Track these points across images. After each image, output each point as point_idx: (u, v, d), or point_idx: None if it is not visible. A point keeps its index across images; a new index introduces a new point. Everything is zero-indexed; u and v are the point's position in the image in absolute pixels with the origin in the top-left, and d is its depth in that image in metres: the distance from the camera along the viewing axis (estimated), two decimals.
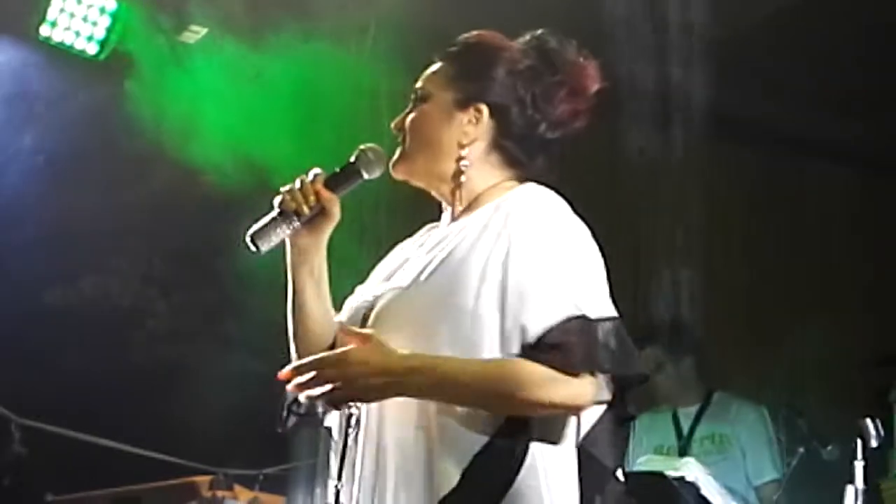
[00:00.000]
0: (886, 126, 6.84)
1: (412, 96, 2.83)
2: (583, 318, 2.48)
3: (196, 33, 5.80)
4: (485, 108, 2.74)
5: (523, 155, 2.77)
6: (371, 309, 2.68)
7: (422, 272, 2.64)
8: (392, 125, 2.82)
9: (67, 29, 5.59)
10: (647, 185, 6.74)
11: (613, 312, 2.56)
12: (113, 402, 6.48)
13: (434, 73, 2.83)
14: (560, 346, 2.46)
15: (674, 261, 6.60)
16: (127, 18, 5.79)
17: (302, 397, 2.67)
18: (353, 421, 2.63)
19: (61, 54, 5.72)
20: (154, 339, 7.30)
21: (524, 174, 2.77)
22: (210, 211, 6.03)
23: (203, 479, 6.09)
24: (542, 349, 2.47)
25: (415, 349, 2.54)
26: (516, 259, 2.55)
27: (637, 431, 6.10)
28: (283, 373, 2.56)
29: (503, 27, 2.87)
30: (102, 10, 5.65)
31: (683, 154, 6.60)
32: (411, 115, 2.79)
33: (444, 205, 2.83)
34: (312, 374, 2.52)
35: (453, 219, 2.78)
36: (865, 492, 4.66)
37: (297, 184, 2.69)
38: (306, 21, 5.69)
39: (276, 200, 2.69)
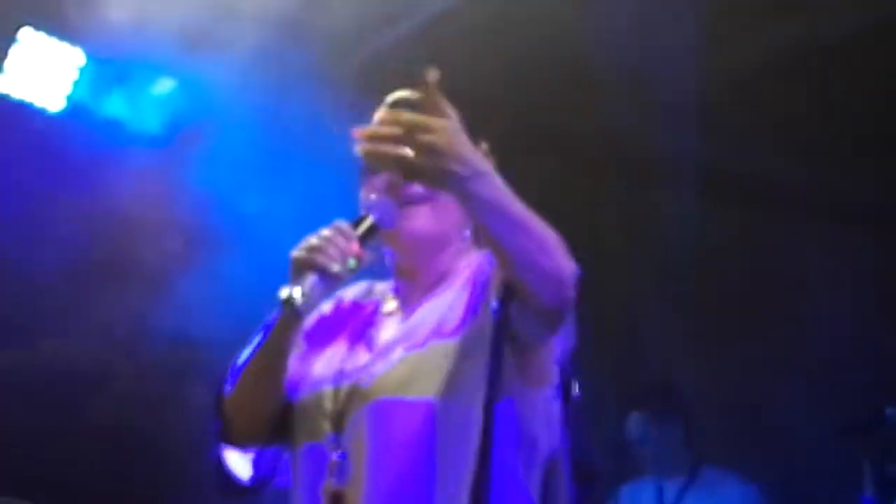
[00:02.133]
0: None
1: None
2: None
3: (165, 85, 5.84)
4: None
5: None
6: (341, 382, 2.69)
7: (404, 346, 2.67)
8: (390, 183, 2.75)
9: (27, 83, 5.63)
10: (634, 246, 6.81)
11: None
12: (71, 466, 6.47)
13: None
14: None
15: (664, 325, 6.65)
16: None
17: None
18: (338, 500, 2.57)
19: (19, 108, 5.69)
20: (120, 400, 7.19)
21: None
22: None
23: None
24: None
25: (401, 427, 2.58)
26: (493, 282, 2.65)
27: (621, 501, 6.07)
28: (364, 130, 2.46)
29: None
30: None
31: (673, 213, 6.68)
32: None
33: (400, 266, 2.84)
34: (398, 131, 2.40)
35: (428, 285, 2.81)
36: None
37: (335, 242, 2.58)
38: None
39: (315, 260, 2.56)
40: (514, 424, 2.63)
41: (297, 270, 2.57)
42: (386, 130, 2.43)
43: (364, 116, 2.79)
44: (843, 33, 6.00)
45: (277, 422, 2.77)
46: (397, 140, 2.41)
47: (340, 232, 2.59)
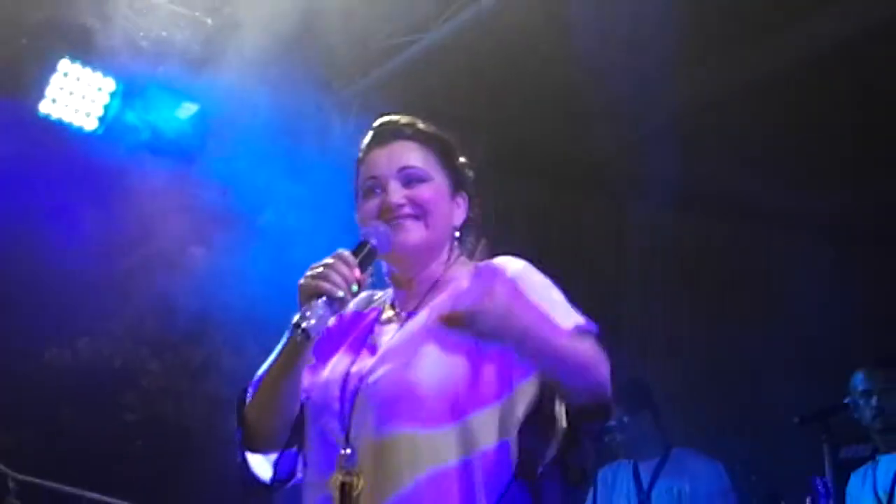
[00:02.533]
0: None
1: (403, 171, 2.78)
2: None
3: (189, 110, 5.80)
4: (465, 197, 2.85)
5: (471, 239, 2.87)
6: (348, 383, 2.67)
7: (407, 351, 2.64)
8: (400, 196, 2.75)
9: (67, 105, 5.59)
10: (614, 254, 6.79)
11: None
12: (105, 455, 6.53)
13: (424, 155, 2.81)
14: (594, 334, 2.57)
15: (639, 325, 6.55)
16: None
17: None
18: (346, 490, 2.58)
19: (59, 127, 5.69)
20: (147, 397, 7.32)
21: (466, 254, 2.86)
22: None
23: None
24: (584, 334, 2.55)
25: (406, 420, 2.57)
26: (531, 290, 2.58)
27: (598, 486, 6.02)
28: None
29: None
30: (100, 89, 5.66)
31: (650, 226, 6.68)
32: (428, 193, 2.77)
33: (398, 278, 2.82)
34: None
35: (422, 294, 2.79)
36: None
37: (338, 270, 2.59)
38: None
39: (321, 287, 2.57)
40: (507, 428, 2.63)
41: (306, 296, 2.56)
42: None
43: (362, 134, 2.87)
44: (807, 60, 6.04)
45: (294, 428, 2.75)
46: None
47: (343, 260, 2.60)
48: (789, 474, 5.66)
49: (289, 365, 2.68)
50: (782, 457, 5.97)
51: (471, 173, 2.87)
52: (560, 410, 2.62)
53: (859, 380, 5.35)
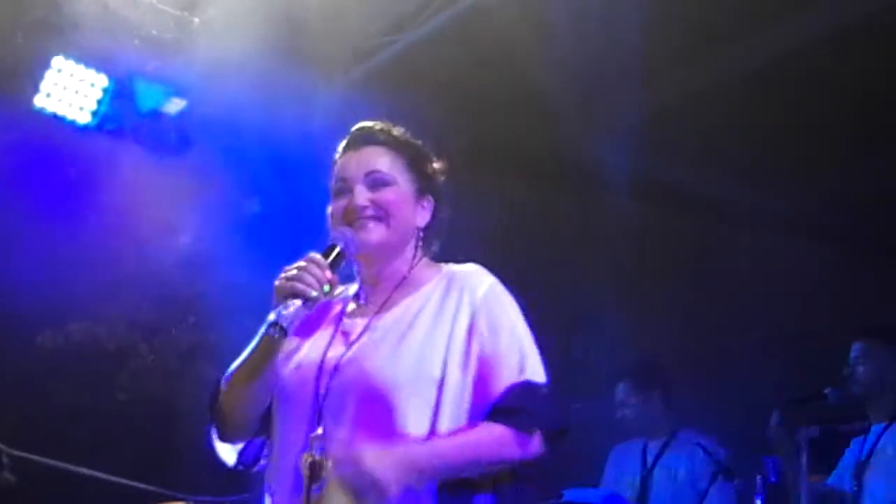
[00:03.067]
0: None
1: (369, 175, 2.84)
2: (534, 383, 2.68)
3: (178, 105, 5.79)
4: (431, 201, 2.91)
5: (437, 240, 2.95)
6: (324, 367, 2.71)
7: (384, 341, 2.71)
8: (364, 199, 2.81)
9: (60, 100, 5.60)
10: (584, 246, 6.77)
11: (547, 377, 2.74)
12: (97, 434, 6.48)
13: (391, 160, 2.87)
14: (519, 410, 2.63)
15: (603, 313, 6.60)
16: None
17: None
18: (316, 468, 2.60)
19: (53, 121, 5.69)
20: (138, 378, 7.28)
21: (429, 255, 2.93)
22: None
23: None
24: (505, 412, 2.63)
25: (380, 409, 2.62)
26: (479, 331, 2.72)
27: (610, 461, 6.23)
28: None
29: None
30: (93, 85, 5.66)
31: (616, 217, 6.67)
32: (391, 196, 2.82)
33: (365, 275, 2.89)
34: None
35: (390, 290, 2.84)
36: None
37: (311, 272, 2.64)
38: None
39: (296, 288, 2.62)
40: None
41: (282, 296, 2.62)
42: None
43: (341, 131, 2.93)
44: (763, 65, 6.05)
45: (262, 419, 2.80)
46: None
47: (314, 262, 2.66)
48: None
49: (263, 360, 2.71)
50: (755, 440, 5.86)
51: (441, 178, 2.94)
52: None
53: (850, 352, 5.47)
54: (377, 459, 2.51)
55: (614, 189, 6.61)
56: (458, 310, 2.74)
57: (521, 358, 2.70)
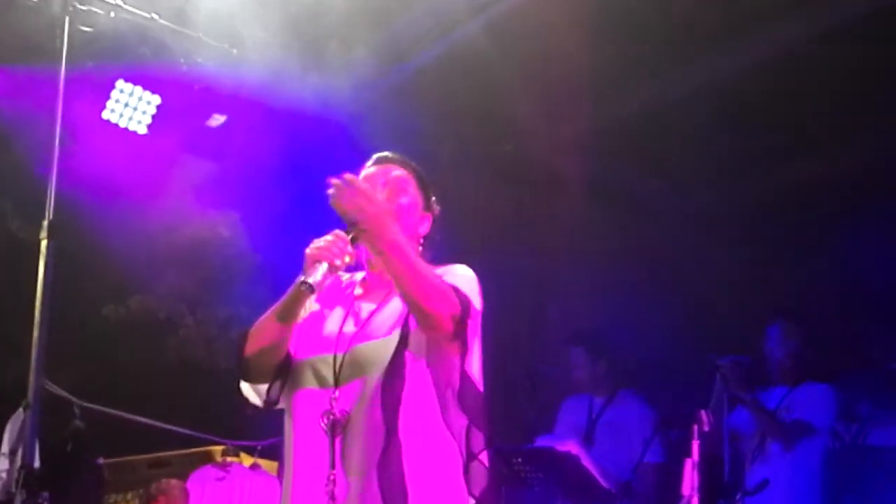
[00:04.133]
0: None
1: (397, 185, 2.86)
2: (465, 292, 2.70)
3: (218, 120, 5.80)
4: (430, 216, 2.93)
5: (431, 249, 2.92)
6: (339, 341, 2.71)
7: (389, 323, 2.71)
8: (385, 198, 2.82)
9: (122, 115, 5.62)
10: (546, 235, 6.77)
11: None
12: (151, 389, 6.54)
13: (406, 175, 2.90)
14: (456, 289, 2.67)
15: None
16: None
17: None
18: (335, 424, 2.62)
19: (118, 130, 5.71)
20: (185, 343, 7.36)
21: (426, 258, 2.86)
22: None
23: (217, 448, 6.11)
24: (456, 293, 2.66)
25: (385, 378, 2.63)
26: (451, 273, 2.76)
27: (563, 411, 6.18)
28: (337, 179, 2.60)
29: None
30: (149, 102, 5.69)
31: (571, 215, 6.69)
32: (405, 201, 2.86)
33: (375, 264, 2.85)
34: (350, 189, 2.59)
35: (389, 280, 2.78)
36: (698, 463, 4.72)
37: (337, 244, 2.62)
38: None
39: (324, 255, 2.60)
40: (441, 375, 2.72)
41: (311, 262, 2.60)
42: (342, 188, 2.59)
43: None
44: (707, 83, 6.02)
45: (280, 367, 2.76)
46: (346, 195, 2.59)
47: (340, 237, 2.63)
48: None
49: (289, 311, 2.70)
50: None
51: (434, 198, 2.97)
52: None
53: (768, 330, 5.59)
54: (370, 196, 2.60)
55: (573, 189, 6.63)
56: None
57: (460, 281, 2.73)
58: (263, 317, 2.75)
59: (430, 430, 2.67)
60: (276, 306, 2.72)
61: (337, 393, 2.64)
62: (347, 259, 2.65)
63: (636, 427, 5.92)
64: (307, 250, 2.64)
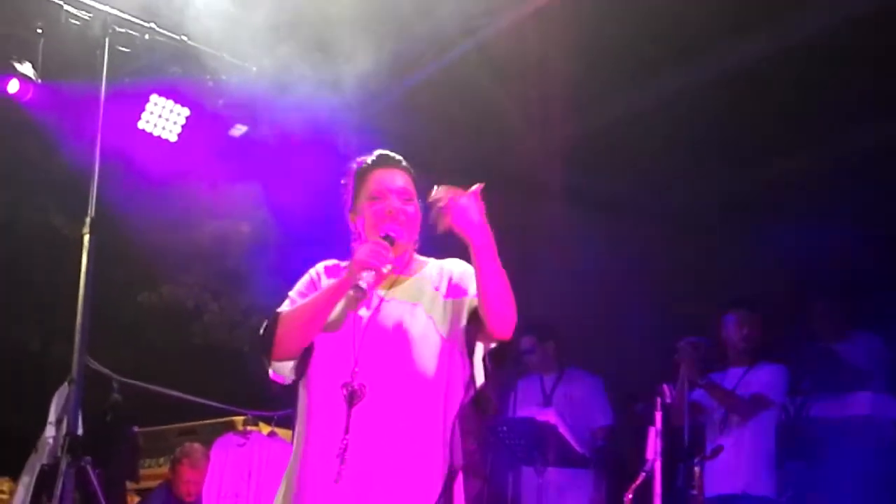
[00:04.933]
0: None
1: (402, 191, 2.81)
2: None
3: (240, 130, 5.78)
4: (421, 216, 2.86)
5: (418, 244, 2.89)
6: (359, 320, 2.69)
7: (402, 304, 2.72)
8: (400, 206, 2.79)
9: (156, 125, 5.60)
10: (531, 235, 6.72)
11: None
12: (180, 366, 6.57)
13: (411, 183, 2.84)
14: None
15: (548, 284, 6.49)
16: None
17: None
18: (355, 394, 2.61)
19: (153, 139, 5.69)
20: (210, 327, 7.37)
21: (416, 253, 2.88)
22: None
23: (238, 418, 6.16)
24: None
25: (400, 352, 2.65)
26: (450, 274, 2.77)
27: (518, 392, 6.05)
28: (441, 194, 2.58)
29: None
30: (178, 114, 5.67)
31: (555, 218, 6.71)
32: (412, 209, 2.80)
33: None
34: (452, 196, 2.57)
35: (402, 272, 2.80)
36: (661, 431, 4.74)
37: (382, 254, 2.63)
38: None
39: (371, 264, 2.61)
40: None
41: (360, 267, 2.61)
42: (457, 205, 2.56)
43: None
44: (676, 93, 6.07)
45: (308, 347, 2.72)
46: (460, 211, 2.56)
47: (383, 247, 2.63)
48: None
49: (330, 307, 2.68)
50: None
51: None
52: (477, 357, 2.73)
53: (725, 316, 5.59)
54: (472, 207, 2.56)
55: (554, 191, 6.65)
56: (442, 282, 2.76)
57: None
58: (302, 306, 2.72)
59: (438, 405, 2.67)
60: (322, 302, 2.69)
61: (356, 368, 2.63)
62: (389, 267, 2.67)
63: (588, 396, 5.97)
64: (357, 256, 2.64)
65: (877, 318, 5.71)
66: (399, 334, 2.67)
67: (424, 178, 2.92)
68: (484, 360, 2.75)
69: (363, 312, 2.71)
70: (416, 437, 2.61)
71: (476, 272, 2.62)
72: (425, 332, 2.68)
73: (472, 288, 2.71)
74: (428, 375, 2.65)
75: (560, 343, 6.16)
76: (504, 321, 2.62)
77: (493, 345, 2.73)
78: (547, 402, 5.99)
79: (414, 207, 2.81)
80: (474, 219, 2.57)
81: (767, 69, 5.70)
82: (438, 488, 2.61)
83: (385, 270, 2.64)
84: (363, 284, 2.60)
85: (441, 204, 2.60)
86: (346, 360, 2.66)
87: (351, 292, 2.63)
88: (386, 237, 2.69)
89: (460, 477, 2.70)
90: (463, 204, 2.57)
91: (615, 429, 5.93)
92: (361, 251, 2.64)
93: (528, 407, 5.89)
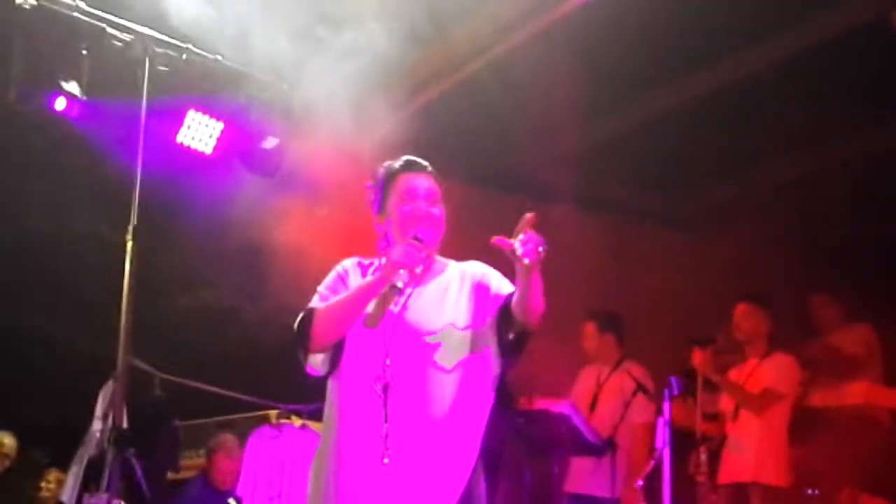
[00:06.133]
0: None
1: (430, 194, 2.80)
2: None
3: (271, 143, 5.74)
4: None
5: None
6: (388, 316, 2.69)
7: (428, 302, 2.74)
8: (429, 209, 2.79)
9: (193, 138, 5.57)
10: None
11: None
12: (218, 364, 6.54)
13: (438, 189, 2.82)
14: None
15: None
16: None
17: None
18: (387, 386, 2.63)
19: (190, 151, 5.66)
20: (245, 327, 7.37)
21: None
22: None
23: (272, 412, 6.16)
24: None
25: (427, 347, 2.66)
26: (473, 277, 2.78)
27: (579, 377, 6.05)
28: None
29: None
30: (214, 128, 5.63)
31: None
32: (438, 213, 2.79)
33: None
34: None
35: (429, 271, 2.80)
36: (668, 422, 4.73)
37: (417, 254, 2.64)
38: None
39: (405, 264, 2.62)
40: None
41: (394, 267, 2.61)
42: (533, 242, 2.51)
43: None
44: (678, 107, 6.08)
45: (340, 342, 2.73)
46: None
47: (416, 248, 2.64)
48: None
49: (367, 303, 2.69)
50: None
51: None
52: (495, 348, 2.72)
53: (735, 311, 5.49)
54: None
55: (563, 196, 6.58)
56: (464, 282, 2.76)
57: (505, 282, 2.72)
58: (338, 302, 2.71)
59: (464, 395, 2.67)
60: (358, 299, 2.68)
61: (388, 360, 2.64)
62: (421, 267, 2.68)
63: (619, 392, 5.79)
64: (393, 257, 2.63)
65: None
66: (426, 330, 2.67)
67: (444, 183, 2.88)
68: (505, 350, 2.72)
69: (393, 309, 2.71)
70: (445, 425, 2.62)
71: (527, 289, 2.57)
72: (450, 327, 2.69)
73: (495, 286, 2.73)
74: (452, 368, 2.65)
75: (622, 334, 5.99)
76: (536, 322, 2.63)
77: (511, 335, 2.69)
78: (597, 393, 5.84)
79: (439, 210, 2.80)
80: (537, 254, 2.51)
81: (769, 80, 5.70)
82: (469, 471, 2.64)
83: (417, 270, 2.65)
84: (399, 283, 2.60)
85: (526, 243, 2.52)
86: (377, 355, 2.66)
87: (386, 290, 2.62)
88: (415, 238, 2.68)
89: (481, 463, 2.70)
90: (536, 241, 2.51)
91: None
92: (396, 251, 2.64)
93: (583, 396, 5.81)
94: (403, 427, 2.60)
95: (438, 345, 2.66)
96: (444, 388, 2.64)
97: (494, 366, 2.74)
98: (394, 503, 2.57)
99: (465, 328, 2.70)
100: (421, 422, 2.61)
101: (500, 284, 2.74)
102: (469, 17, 5.55)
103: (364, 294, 2.68)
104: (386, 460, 2.57)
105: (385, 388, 2.61)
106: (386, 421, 2.59)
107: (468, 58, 5.80)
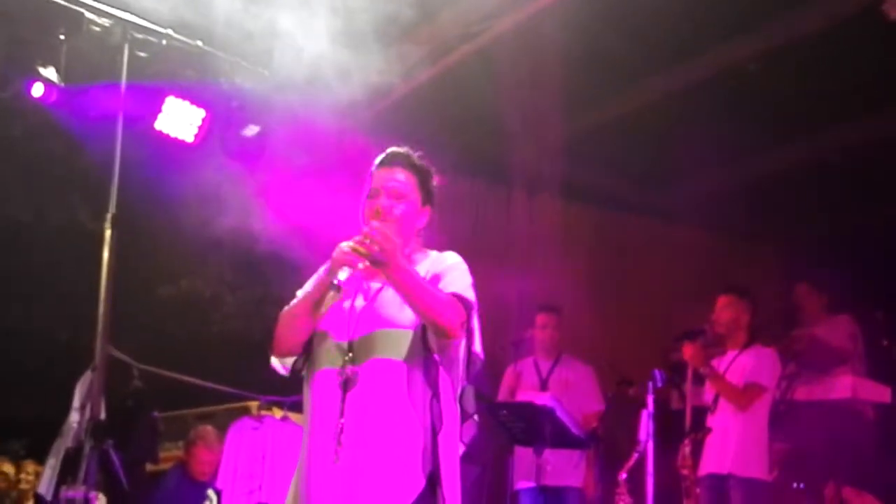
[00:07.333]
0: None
1: (397, 192, 2.77)
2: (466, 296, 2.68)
3: (253, 130, 5.71)
4: (429, 209, 2.83)
5: (425, 234, 2.86)
6: (353, 313, 2.69)
7: (394, 297, 2.66)
8: (378, 211, 2.75)
9: (173, 125, 5.50)
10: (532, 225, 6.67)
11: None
12: (198, 355, 6.53)
13: (407, 179, 2.79)
14: (460, 299, 2.65)
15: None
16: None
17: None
18: (349, 378, 2.62)
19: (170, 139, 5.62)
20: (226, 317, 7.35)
21: (422, 243, 2.85)
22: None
23: (253, 403, 6.12)
24: (456, 298, 2.65)
25: (390, 342, 2.64)
26: (433, 270, 2.72)
27: (507, 377, 6.08)
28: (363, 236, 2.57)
29: None
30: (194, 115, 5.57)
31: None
32: (401, 209, 2.76)
33: None
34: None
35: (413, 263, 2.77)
36: (653, 413, 4.73)
37: (359, 249, 2.60)
38: None
39: (348, 260, 2.60)
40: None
41: (338, 264, 2.60)
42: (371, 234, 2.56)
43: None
44: (660, 98, 6.09)
45: (304, 344, 2.72)
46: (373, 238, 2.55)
47: (359, 243, 2.60)
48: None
49: (318, 304, 2.70)
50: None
51: (437, 190, 2.85)
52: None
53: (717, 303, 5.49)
54: (389, 238, 2.55)
55: (548, 188, 6.61)
56: (428, 272, 2.73)
57: (457, 281, 2.70)
58: (294, 304, 2.74)
59: (426, 389, 2.64)
60: (306, 299, 2.70)
61: (350, 355, 2.63)
62: (364, 265, 2.61)
63: (582, 382, 5.94)
64: (335, 254, 2.62)
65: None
66: (388, 323, 2.65)
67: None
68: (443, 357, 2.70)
69: (359, 303, 2.71)
70: (402, 420, 2.59)
71: (399, 293, 2.60)
72: (412, 321, 2.65)
73: (442, 283, 2.68)
74: (413, 362, 2.63)
75: (560, 332, 6.09)
76: (443, 330, 2.60)
77: (434, 342, 2.66)
78: (543, 385, 5.95)
79: (404, 205, 2.77)
80: (382, 247, 2.55)
81: (756, 71, 5.70)
82: (427, 469, 2.59)
83: (360, 267, 2.60)
84: (337, 281, 2.58)
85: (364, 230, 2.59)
86: (340, 349, 2.65)
87: (332, 289, 2.61)
88: (364, 236, 2.64)
89: (453, 460, 2.66)
90: (371, 234, 2.56)
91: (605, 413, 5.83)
92: (338, 249, 2.63)
93: (525, 390, 5.86)
94: (358, 424, 2.58)
95: (398, 339, 2.64)
96: (400, 385, 2.61)
97: (465, 361, 2.72)
98: (345, 502, 2.54)
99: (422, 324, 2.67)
100: (375, 418, 2.58)
101: (447, 283, 2.69)
102: (455, 3, 5.55)
103: (310, 295, 2.70)
104: (336, 460, 2.55)
105: (345, 383, 2.60)
106: (342, 416, 2.58)
107: (455, 44, 5.76)
